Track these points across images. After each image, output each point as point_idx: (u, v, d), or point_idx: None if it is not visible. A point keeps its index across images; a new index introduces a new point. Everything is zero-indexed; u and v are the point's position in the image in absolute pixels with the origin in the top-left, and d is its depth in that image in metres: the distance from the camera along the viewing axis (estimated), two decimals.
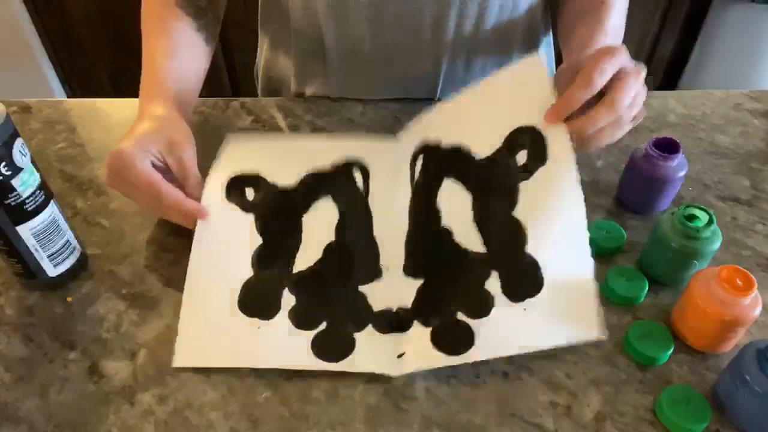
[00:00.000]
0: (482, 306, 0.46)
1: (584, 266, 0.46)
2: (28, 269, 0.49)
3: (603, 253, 0.54)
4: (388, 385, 0.45)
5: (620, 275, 0.51)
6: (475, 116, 0.55)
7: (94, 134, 0.69)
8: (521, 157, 0.50)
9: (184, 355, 0.46)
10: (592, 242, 0.54)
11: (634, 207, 0.59)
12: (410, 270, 0.50)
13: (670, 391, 0.43)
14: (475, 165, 0.52)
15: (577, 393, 0.44)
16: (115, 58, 1.65)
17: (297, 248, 0.52)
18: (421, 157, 0.56)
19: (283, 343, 0.46)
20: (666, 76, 1.76)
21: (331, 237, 0.52)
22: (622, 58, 0.49)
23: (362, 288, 0.50)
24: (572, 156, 0.48)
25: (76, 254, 0.52)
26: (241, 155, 0.58)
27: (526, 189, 0.49)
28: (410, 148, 0.58)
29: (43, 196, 0.48)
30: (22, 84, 1.64)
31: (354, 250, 0.52)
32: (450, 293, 0.48)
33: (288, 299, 0.49)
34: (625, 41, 0.59)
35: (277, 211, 0.53)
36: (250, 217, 0.53)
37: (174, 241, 0.56)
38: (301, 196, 0.55)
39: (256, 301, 0.48)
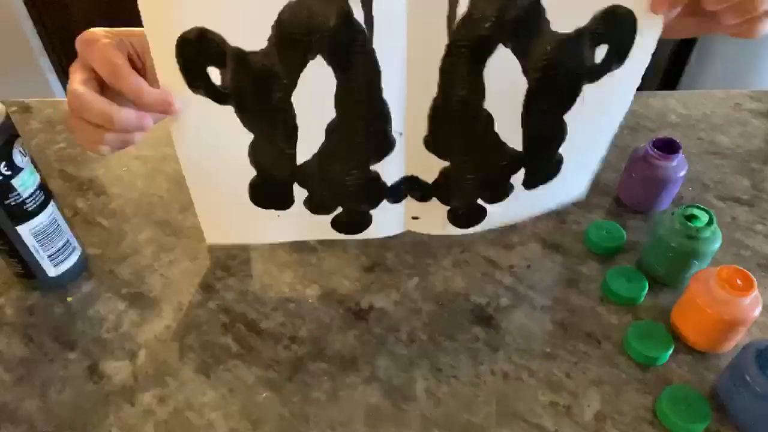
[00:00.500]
0: (503, 195, 0.49)
1: (595, 159, 0.50)
2: (28, 269, 0.49)
3: (603, 253, 0.54)
4: (388, 385, 0.45)
5: (620, 275, 0.51)
6: None
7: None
8: (600, 51, 0.41)
9: (214, 234, 0.48)
10: (592, 243, 0.54)
11: (634, 207, 0.59)
12: (435, 147, 0.44)
13: (670, 391, 0.43)
14: (546, 40, 0.40)
15: (577, 393, 0.44)
16: None
17: (295, 137, 0.42)
18: None
19: (304, 221, 0.48)
20: (666, 76, 1.76)
21: (331, 113, 0.41)
22: None
23: (374, 167, 0.45)
24: (648, 60, 0.42)
25: (76, 254, 0.52)
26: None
27: (588, 91, 0.43)
28: None
29: (43, 196, 0.48)
30: (22, 84, 1.64)
31: (359, 124, 0.42)
32: (475, 182, 0.47)
33: (300, 191, 0.47)
34: None
35: (257, 96, 0.40)
36: (229, 110, 0.41)
37: (174, 241, 0.56)
38: (282, 64, 0.39)
39: (268, 199, 0.47)
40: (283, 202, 0.47)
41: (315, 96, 0.40)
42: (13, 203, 0.45)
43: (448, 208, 0.47)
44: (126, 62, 0.39)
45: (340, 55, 0.38)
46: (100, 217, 0.59)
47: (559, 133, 0.45)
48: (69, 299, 0.51)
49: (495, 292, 0.52)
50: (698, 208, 0.49)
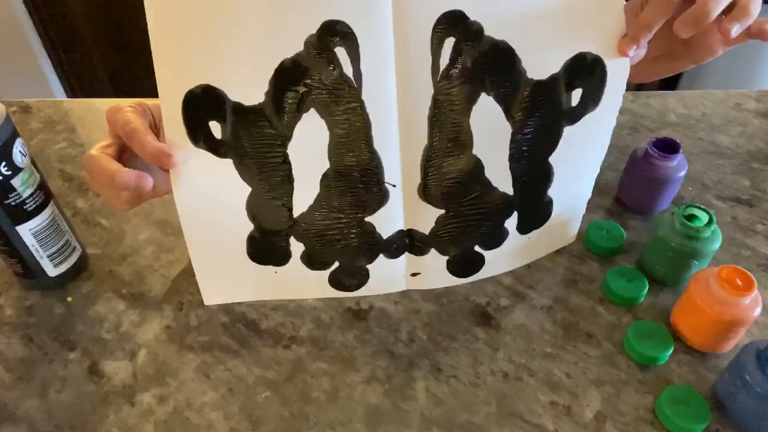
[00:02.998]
0: (498, 241, 0.49)
1: (583, 199, 0.51)
2: (28, 269, 0.49)
3: (603, 253, 0.54)
4: (388, 385, 0.45)
5: (620, 275, 0.51)
6: (530, 15, 0.41)
7: (94, 134, 0.69)
8: (575, 96, 0.44)
9: (211, 294, 0.48)
10: (592, 243, 0.54)
11: (634, 207, 0.59)
12: (429, 196, 0.45)
13: (670, 391, 0.43)
14: (523, 83, 0.43)
15: (577, 393, 0.44)
16: (115, 58, 1.65)
17: (291, 190, 0.44)
18: (451, 41, 0.40)
19: (301, 280, 0.48)
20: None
21: (325, 164, 0.43)
22: None
23: (369, 219, 0.46)
24: (620, 101, 0.45)
25: (76, 254, 0.52)
26: (181, 51, 0.39)
27: (568, 134, 0.45)
28: (428, 6, 0.39)
29: (43, 196, 0.48)
30: (22, 84, 1.64)
31: (353, 175, 0.44)
32: (472, 229, 0.48)
33: (296, 245, 0.47)
34: None
35: (255, 149, 0.42)
36: (227, 163, 0.42)
37: (174, 241, 0.56)
38: (277, 116, 0.41)
39: (266, 254, 0.48)
40: (280, 256, 0.47)
41: (309, 148, 0.42)
42: (13, 203, 0.45)
43: (447, 258, 0.48)
44: (144, 124, 0.42)
45: (331, 108, 0.41)
46: (100, 217, 0.59)
47: (546, 175, 0.47)
48: (69, 299, 0.51)
49: (495, 292, 0.52)
50: (698, 208, 0.49)
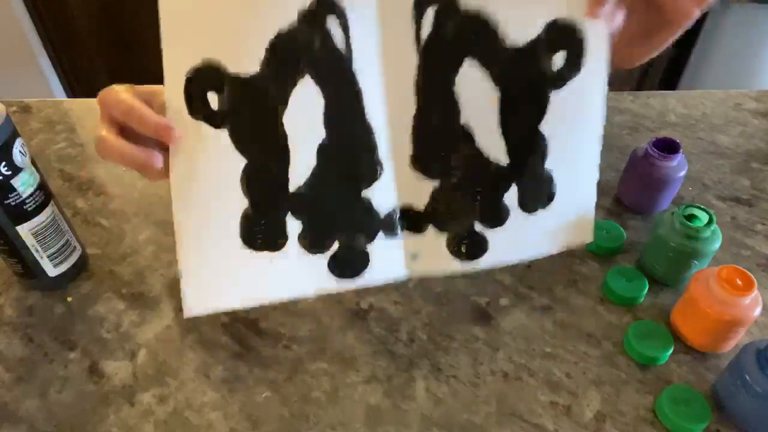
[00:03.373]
0: (499, 217, 0.47)
1: (590, 181, 0.48)
2: (28, 269, 0.49)
3: (603, 253, 0.54)
4: (388, 385, 0.45)
5: (620, 275, 0.51)
6: None
7: (93, 134, 0.69)
8: (559, 59, 0.44)
9: (195, 302, 0.43)
10: (592, 243, 0.54)
11: (634, 207, 0.59)
12: (421, 165, 0.45)
13: (670, 391, 0.43)
14: (506, 51, 0.44)
15: (577, 393, 0.44)
16: (115, 57, 1.65)
17: (287, 161, 0.44)
18: (431, 11, 0.43)
19: (299, 271, 0.45)
20: (666, 76, 1.76)
21: (321, 133, 0.43)
22: None
23: (365, 193, 0.45)
24: (607, 66, 0.45)
25: (76, 254, 0.52)
26: (186, 31, 0.41)
27: (556, 100, 0.45)
28: None
29: (43, 196, 0.48)
30: (22, 84, 1.64)
31: (349, 146, 0.44)
32: (468, 203, 0.47)
33: (293, 224, 0.45)
34: None
35: (251, 117, 0.43)
36: (223, 134, 0.43)
37: (174, 240, 0.56)
38: (273, 83, 0.42)
39: (261, 233, 0.45)
40: (277, 235, 0.45)
41: (305, 116, 0.43)
42: (13, 203, 0.45)
43: (446, 236, 0.46)
44: (136, 99, 0.42)
45: (326, 75, 0.42)
46: (100, 217, 0.59)
47: (539, 145, 0.46)
48: (69, 299, 0.51)
49: (495, 292, 0.52)
50: (698, 208, 0.49)
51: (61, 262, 0.51)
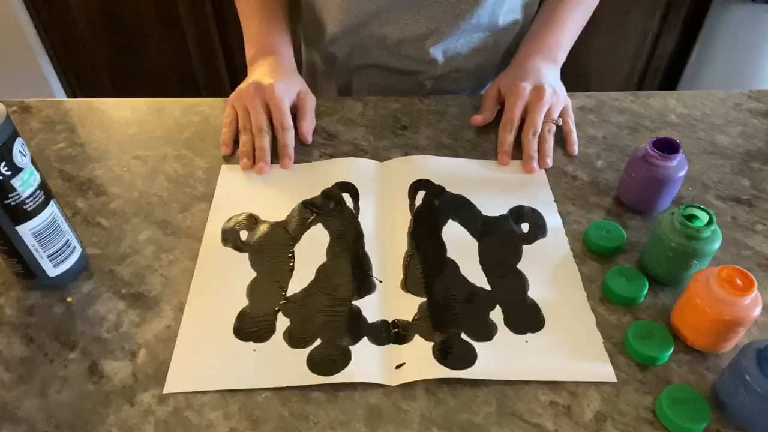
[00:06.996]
0: (486, 332, 0.48)
1: (587, 319, 0.49)
2: (28, 269, 0.49)
3: (603, 253, 0.54)
4: (388, 385, 0.45)
5: (620, 275, 0.51)
6: (477, 180, 0.62)
7: (94, 134, 0.69)
8: (525, 227, 0.57)
9: (176, 381, 0.45)
10: (592, 243, 0.54)
11: (634, 207, 0.59)
12: (410, 287, 0.51)
13: (670, 391, 0.43)
14: (481, 218, 0.58)
15: (577, 393, 0.44)
16: (115, 58, 1.65)
17: (290, 275, 0.52)
18: (422, 193, 0.60)
19: (278, 362, 0.46)
20: (666, 76, 1.76)
21: (323, 258, 0.54)
22: (525, 93, 0.65)
23: (356, 302, 0.50)
24: (564, 237, 0.56)
25: (76, 254, 0.52)
26: (235, 192, 0.61)
27: (529, 250, 0.55)
28: (405, 177, 0.62)
29: (43, 196, 0.48)
30: (22, 84, 1.64)
31: (345, 267, 0.53)
32: (455, 316, 0.49)
33: (282, 321, 0.49)
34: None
35: (269, 246, 0.55)
36: (244, 256, 0.54)
37: (174, 241, 0.56)
38: (293, 227, 0.57)
39: (252, 326, 0.48)
40: (264, 331, 0.48)
41: (312, 248, 0.55)
42: (13, 203, 0.45)
43: (432, 344, 0.46)
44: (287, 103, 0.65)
45: (333, 224, 0.57)
46: (100, 217, 0.59)
47: (518, 277, 0.52)
48: (69, 299, 0.51)
49: None
50: (698, 208, 0.49)
51: (61, 262, 0.50)
